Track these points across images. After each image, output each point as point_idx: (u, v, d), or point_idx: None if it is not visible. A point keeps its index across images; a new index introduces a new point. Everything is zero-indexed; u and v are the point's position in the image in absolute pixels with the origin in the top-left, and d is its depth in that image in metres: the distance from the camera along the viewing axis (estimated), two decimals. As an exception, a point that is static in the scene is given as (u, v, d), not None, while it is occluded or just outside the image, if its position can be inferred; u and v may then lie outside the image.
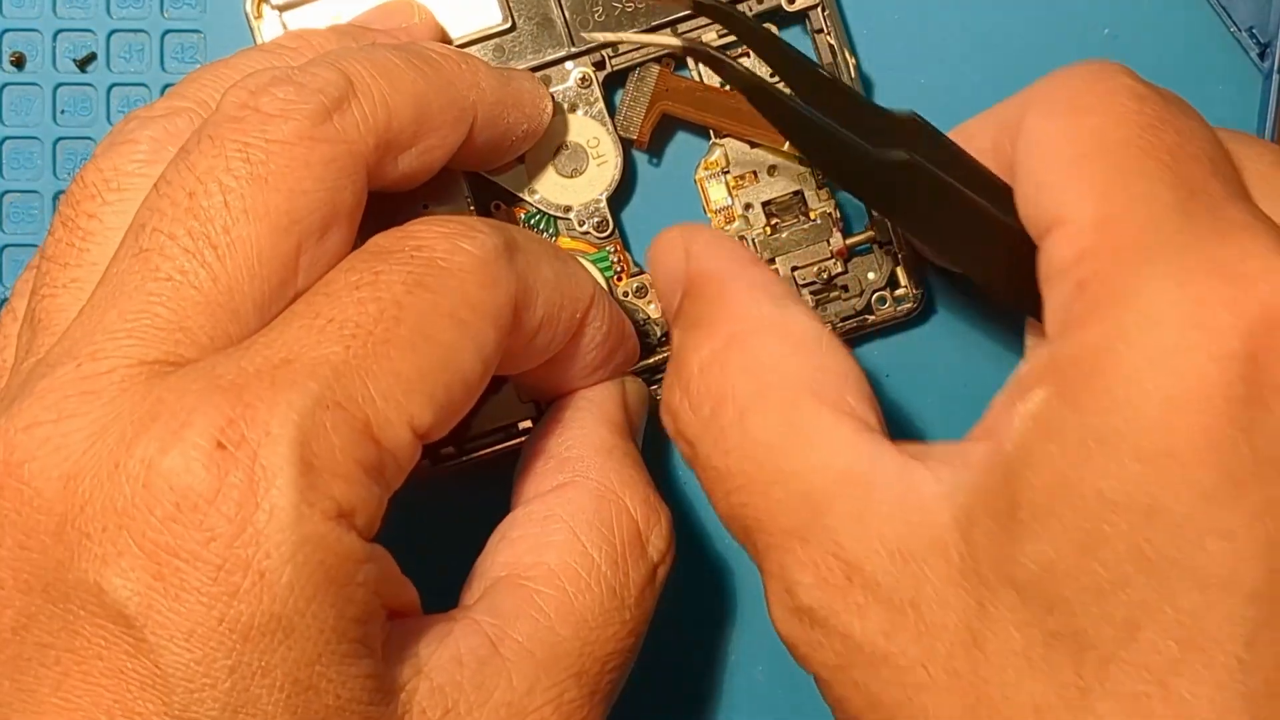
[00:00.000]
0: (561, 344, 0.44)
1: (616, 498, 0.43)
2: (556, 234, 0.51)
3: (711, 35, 0.51)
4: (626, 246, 0.52)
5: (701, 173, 0.53)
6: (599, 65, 0.51)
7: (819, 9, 0.52)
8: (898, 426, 0.54)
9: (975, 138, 0.43)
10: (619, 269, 0.52)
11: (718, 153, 0.53)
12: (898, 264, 0.52)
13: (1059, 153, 0.38)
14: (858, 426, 0.39)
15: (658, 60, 0.51)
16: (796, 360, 0.41)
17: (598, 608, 0.42)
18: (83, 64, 0.53)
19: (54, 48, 0.53)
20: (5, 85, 0.53)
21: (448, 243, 0.40)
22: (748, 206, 0.53)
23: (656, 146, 0.53)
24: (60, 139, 0.53)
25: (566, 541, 0.42)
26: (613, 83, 0.52)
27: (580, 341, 0.45)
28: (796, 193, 0.53)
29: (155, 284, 0.38)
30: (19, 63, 0.53)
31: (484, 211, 0.50)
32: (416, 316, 0.39)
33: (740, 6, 0.51)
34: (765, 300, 0.42)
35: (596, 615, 0.42)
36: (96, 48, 0.54)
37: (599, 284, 0.47)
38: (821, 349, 0.41)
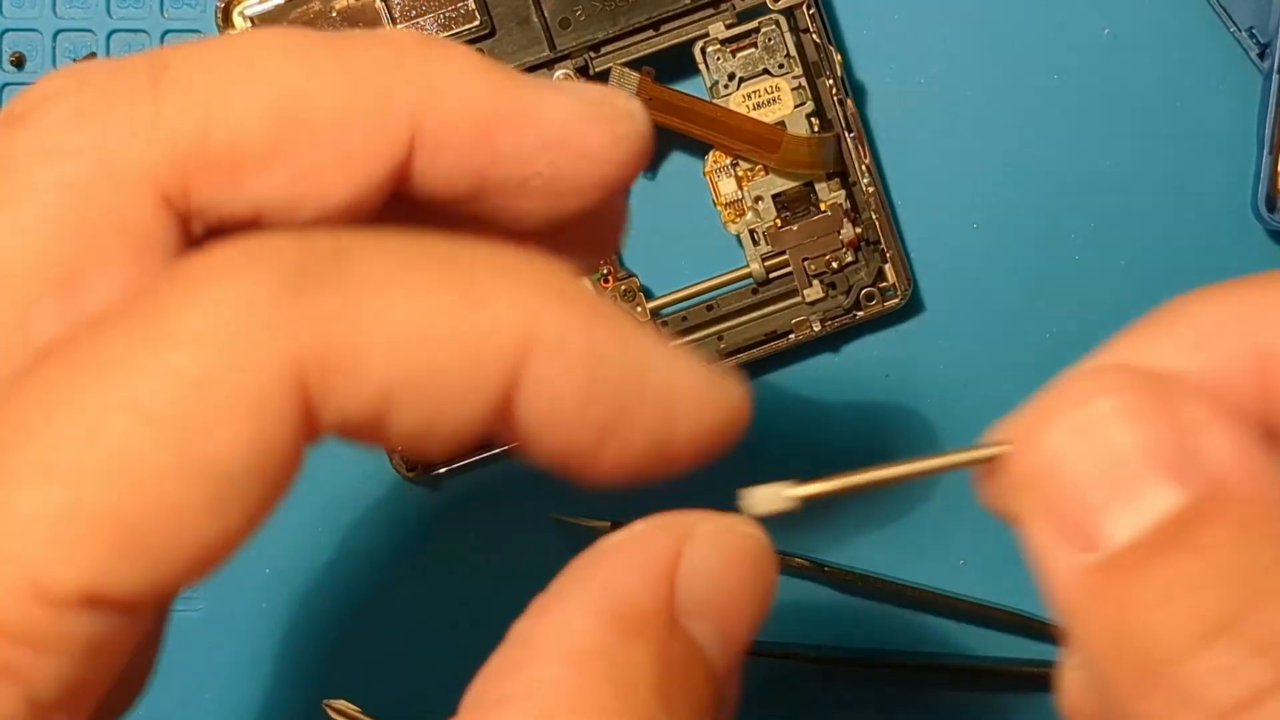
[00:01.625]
0: (469, 422, 0.28)
1: None
2: (540, 237, 0.52)
3: (719, 26, 0.51)
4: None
5: (710, 165, 0.53)
6: (582, 69, 0.51)
7: (803, 8, 0.51)
8: (901, 425, 0.54)
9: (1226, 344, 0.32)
10: (606, 271, 0.52)
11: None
12: (885, 261, 0.52)
13: None
14: None
15: (636, 66, 0.51)
16: None
17: None
18: (83, 64, 0.54)
19: (54, 48, 0.54)
20: (5, 85, 0.54)
21: (181, 289, 0.26)
22: (758, 199, 0.53)
23: (643, 149, 0.53)
24: (60, 138, 0.54)
25: None
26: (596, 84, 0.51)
27: (517, 414, 0.28)
28: (807, 184, 0.53)
29: None
30: (19, 63, 0.54)
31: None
32: (57, 416, 0.26)
33: (723, 5, 0.51)
34: None
35: None
36: (96, 48, 0.54)
37: (562, 302, 0.28)
38: None
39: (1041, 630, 0.53)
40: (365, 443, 0.28)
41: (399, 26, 0.50)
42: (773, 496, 0.29)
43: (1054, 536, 0.28)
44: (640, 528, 0.29)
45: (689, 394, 0.29)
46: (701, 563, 0.29)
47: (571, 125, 0.30)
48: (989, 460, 0.29)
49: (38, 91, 0.30)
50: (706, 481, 0.31)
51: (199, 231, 0.29)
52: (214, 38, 0.32)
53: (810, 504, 0.29)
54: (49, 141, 0.28)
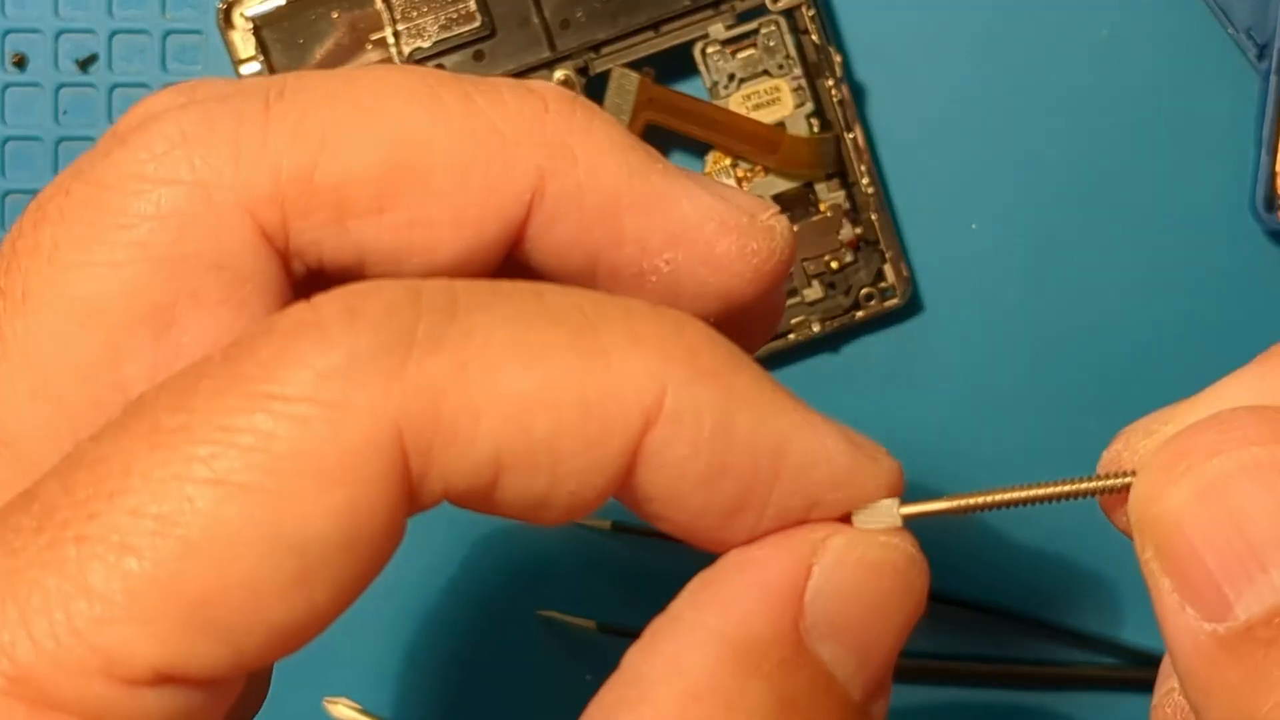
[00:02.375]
0: (587, 493, 0.26)
1: None
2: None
3: (719, 28, 0.51)
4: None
5: (710, 166, 0.53)
6: (582, 70, 0.51)
7: (803, 8, 0.51)
8: (900, 425, 0.54)
9: None
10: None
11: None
12: (885, 261, 0.52)
13: None
14: None
15: (636, 67, 0.51)
16: None
17: None
18: (84, 64, 0.54)
19: (55, 48, 0.54)
20: (7, 86, 0.54)
21: (276, 347, 0.24)
22: (758, 199, 0.53)
23: (643, 150, 0.53)
24: (62, 139, 0.54)
25: None
26: (596, 86, 0.52)
27: (637, 484, 0.26)
28: (806, 185, 0.53)
29: None
30: (21, 63, 0.54)
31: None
32: (137, 484, 0.24)
33: (723, 6, 0.51)
34: None
35: None
36: (98, 48, 0.54)
37: (693, 369, 0.26)
38: None
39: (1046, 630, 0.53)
40: (474, 509, 0.26)
41: (399, 27, 0.50)
42: (884, 513, 0.27)
43: (1177, 598, 0.26)
44: (768, 543, 0.27)
45: (831, 473, 0.27)
46: (834, 578, 0.27)
47: (702, 226, 0.29)
48: (1113, 491, 0.28)
49: (143, 108, 0.29)
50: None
51: (300, 271, 0.28)
52: (342, 70, 0.30)
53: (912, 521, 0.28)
54: (147, 168, 0.27)
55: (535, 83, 0.29)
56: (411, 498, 0.25)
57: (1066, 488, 0.28)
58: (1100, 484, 0.28)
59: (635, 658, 0.26)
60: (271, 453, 0.23)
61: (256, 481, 0.23)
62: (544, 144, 0.28)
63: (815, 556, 0.26)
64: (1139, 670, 0.53)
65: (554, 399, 0.25)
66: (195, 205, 0.27)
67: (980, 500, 0.28)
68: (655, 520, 0.27)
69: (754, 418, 0.26)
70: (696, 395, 0.25)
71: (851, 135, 0.52)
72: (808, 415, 0.27)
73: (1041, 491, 0.28)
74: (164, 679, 0.23)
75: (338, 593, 0.25)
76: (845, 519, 0.27)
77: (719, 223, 0.28)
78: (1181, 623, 0.26)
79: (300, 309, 0.25)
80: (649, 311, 0.26)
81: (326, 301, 0.25)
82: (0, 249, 0.28)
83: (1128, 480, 0.27)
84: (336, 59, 0.50)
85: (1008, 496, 0.28)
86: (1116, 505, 0.28)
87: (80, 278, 0.27)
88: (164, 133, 0.27)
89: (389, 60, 0.50)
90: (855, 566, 0.27)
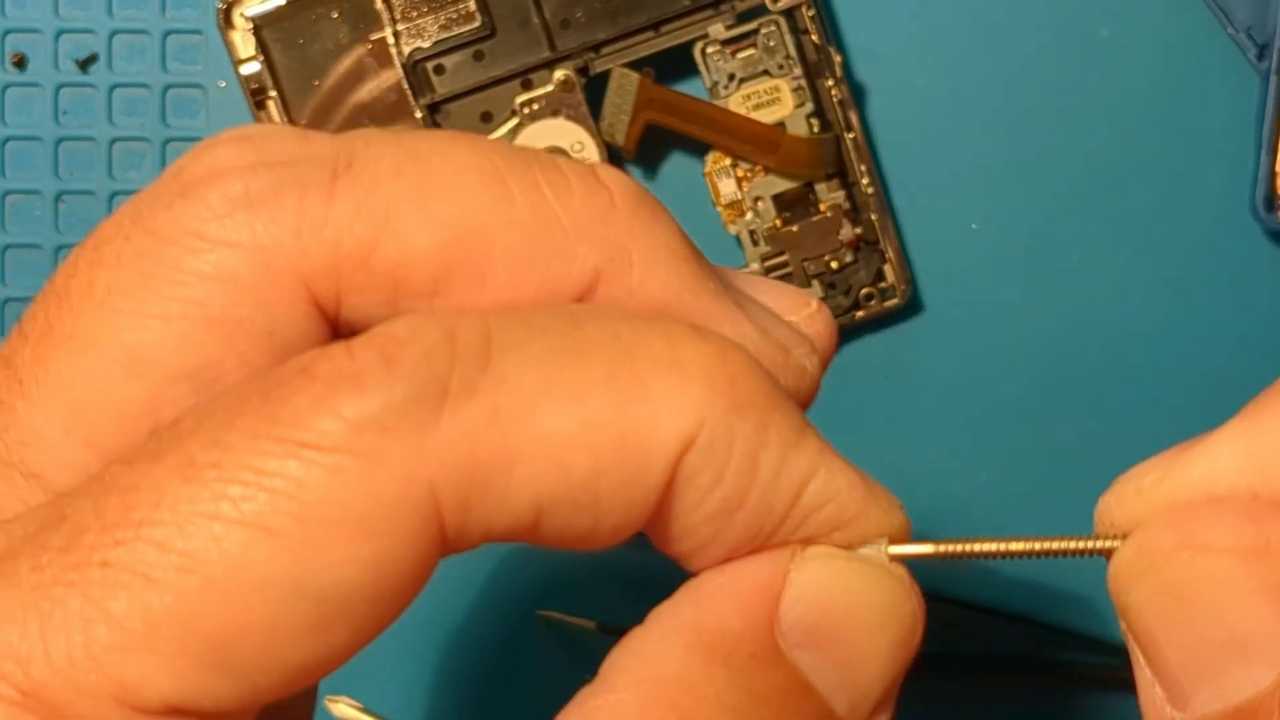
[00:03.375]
0: (627, 525, 0.26)
1: None
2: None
3: (719, 28, 0.51)
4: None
5: (710, 166, 0.53)
6: (582, 70, 0.51)
7: (803, 9, 0.51)
8: (900, 426, 0.54)
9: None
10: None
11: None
12: (884, 261, 0.53)
13: None
14: None
15: (637, 67, 0.51)
16: None
17: None
18: (84, 64, 0.54)
19: (55, 48, 0.54)
20: (7, 86, 0.54)
21: (313, 394, 0.24)
22: (757, 200, 0.53)
23: (644, 152, 0.53)
24: (62, 140, 0.54)
25: None
26: (596, 86, 0.52)
27: (674, 510, 0.26)
28: (806, 185, 0.53)
29: None
30: (20, 63, 0.54)
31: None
32: (165, 518, 0.24)
33: (723, 6, 0.51)
34: None
35: None
36: (98, 48, 0.54)
37: (730, 401, 0.26)
38: None
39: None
40: (517, 542, 0.26)
41: (399, 27, 0.50)
42: (873, 553, 0.27)
43: (1149, 674, 0.27)
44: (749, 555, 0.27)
45: (838, 513, 0.27)
46: (812, 586, 0.27)
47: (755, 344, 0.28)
48: (1098, 553, 0.29)
49: (209, 160, 0.28)
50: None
51: (346, 334, 0.27)
52: (410, 135, 0.28)
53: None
54: (209, 227, 0.27)
55: (605, 171, 0.28)
56: (446, 545, 0.25)
57: (1056, 545, 0.29)
58: (1087, 545, 0.29)
59: (610, 658, 0.27)
60: (301, 500, 0.23)
61: (284, 527, 0.23)
62: (604, 244, 0.27)
63: (794, 564, 0.27)
64: (1139, 670, 0.53)
65: (591, 438, 0.25)
66: (252, 270, 0.27)
67: (970, 548, 0.29)
68: (662, 543, 0.27)
69: (779, 455, 0.26)
70: (732, 427, 0.25)
71: (851, 135, 0.52)
72: (830, 456, 0.27)
73: (1031, 546, 0.29)
74: (175, 711, 0.24)
75: (357, 637, 0.25)
76: None
77: (754, 352, 0.28)
78: (1151, 699, 0.27)
79: (338, 353, 0.25)
80: (692, 335, 0.26)
81: (363, 347, 0.25)
82: (52, 284, 0.28)
83: (1112, 545, 0.28)
84: (338, 59, 0.51)
85: (999, 548, 0.29)
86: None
87: (130, 324, 0.27)
88: (228, 193, 0.27)
89: (392, 66, 0.50)
90: (834, 578, 0.27)
